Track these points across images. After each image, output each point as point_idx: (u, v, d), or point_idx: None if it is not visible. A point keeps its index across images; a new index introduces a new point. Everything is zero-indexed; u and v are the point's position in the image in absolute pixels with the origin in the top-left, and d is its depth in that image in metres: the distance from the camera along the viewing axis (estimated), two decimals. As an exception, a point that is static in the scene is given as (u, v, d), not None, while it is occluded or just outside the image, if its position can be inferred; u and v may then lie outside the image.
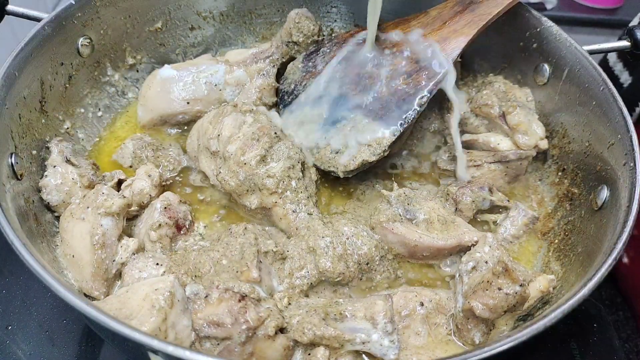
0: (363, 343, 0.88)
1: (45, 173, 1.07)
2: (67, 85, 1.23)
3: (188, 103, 1.27)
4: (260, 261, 0.95)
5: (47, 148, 1.12)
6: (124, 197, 1.05)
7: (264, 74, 1.31)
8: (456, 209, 1.12)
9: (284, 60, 1.33)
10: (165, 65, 1.31)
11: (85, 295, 0.98)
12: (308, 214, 1.08)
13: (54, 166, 1.08)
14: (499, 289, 0.88)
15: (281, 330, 0.89)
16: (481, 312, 0.88)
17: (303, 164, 1.12)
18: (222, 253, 0.96)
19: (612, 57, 1.62)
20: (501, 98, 1.25)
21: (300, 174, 1.10)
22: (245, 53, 1.34)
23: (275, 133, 1.11)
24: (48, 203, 1.06)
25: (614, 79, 1.59)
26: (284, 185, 1.07)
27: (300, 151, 1.13)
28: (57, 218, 1.07)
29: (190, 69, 1.30)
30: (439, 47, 1.19)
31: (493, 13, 1.19)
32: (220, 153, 1.11)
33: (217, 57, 1.39)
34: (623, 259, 1.26)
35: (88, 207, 1.00)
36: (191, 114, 1.28)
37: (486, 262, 0.95)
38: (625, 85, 1.57)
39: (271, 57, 1.32)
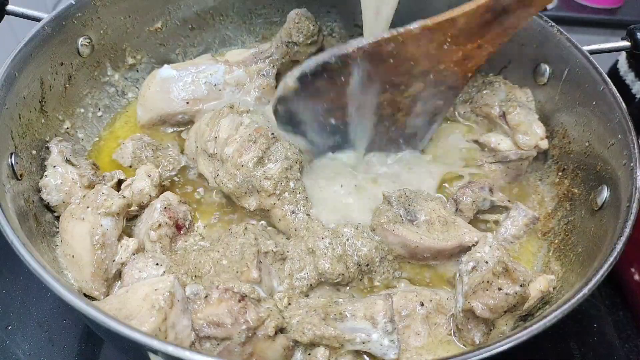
0: (363, 343, 0.88)
1: (45, 173, 1.07)
2: (67, 85, 1.23)
3: (187, 103, 1.27)
4: (261, 261, 0.95)
5: (47, 148, 1.12)
6: (124, 197, 1.04)
7: (263, 74, 1.31)
8: (457, 209, 1.12)
9: (283, 60, 1.33)
10: (165, 65, 1.31)
11: (85, 295, 0.98)
12: (307, 214, 1.08)
13: (54, 166, 1.08)
14: (499, 289, 0.88)
15: (281, 330, 0.89)
16: (481, 312, 0.88)
17: (301, 163, 1.12)
18: (222, 253, 0.96)
19: (623, 67, 1.54)
20: (501, 98, 1.24)
21: (298, 174, 1.10)
22: (245, 53, 1.34)
23: (272, 134, 1.10)
24: (48, 203, 1.06)
25: (625, 89, 1.51)
26: (282, 186, 1.07)
27: (299, 152, 1.13)
28: (57, 218, 1.07)
29: (190, 68, 1.30)
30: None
31: (520, 26, 1.05)
32: (218, 155, 1.11)
33: (217, 57, 1.39)
34: (634, 277, 1.24)
35: (88, 207, 1.00)
36: (190, 113, 1.28)
37: (486, 262, 0.95)
38: (638, 96, 1.48)
39: (271, 58, 1.32)
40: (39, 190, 1.06)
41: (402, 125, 1.18)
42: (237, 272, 0.92)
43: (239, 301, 0.86)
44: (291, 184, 1.08)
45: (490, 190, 1.15)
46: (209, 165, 1.14)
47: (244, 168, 1.07)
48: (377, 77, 1.09)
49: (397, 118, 1.16)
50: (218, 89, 1.29)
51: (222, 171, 1.10)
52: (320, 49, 1.36)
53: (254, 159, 1.07)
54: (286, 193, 1.08)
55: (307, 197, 1.10)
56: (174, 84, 1.28)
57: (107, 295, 0.97)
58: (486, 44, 1.06)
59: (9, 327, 1.12)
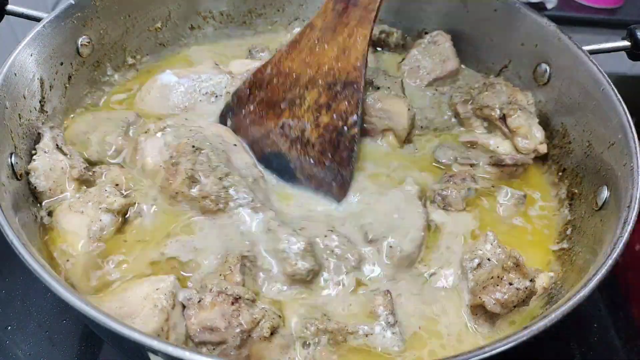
0: (366, 335, 0.88)
1: (34, 157, 1.05)
2: (67, 85, 1.23)
3: (187, 112, 1.24)
4: (245, 265, 0.94)
5: (39, 134, 1.09)
6: (126, 196, 1.04)
7: None
8: (444, 205, 1.11)
9: None
10: (167, 71, 1.30)
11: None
12: (263, 215, 1.02)
13: (45, 151, 1.05)
14: (510, 284, 0.89)
15: (277, 329, 0.88)
16: (492, 307, 0.89)
17: (229, 159, 1.07)
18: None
19: None
20: (503, 100, 1.24)
21: (237, 177, 1.04)
22: (249, 65, 1.32)
23: (194, 146, 1.04)
24: (35, 187, 1.03)
25: None
26: (223, 199, 1.01)
27: (223, 142, 1.09)
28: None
29: (192, 76, 1.28)
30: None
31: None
32: (154, 184, 1.06)
33: (221, 66, 1.35)
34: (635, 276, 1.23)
35: (89, 202, 1.00)
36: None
37: (489, 260, 0.95)
38: None
39: None
40: (27, 174, 1.04)
41: (318, 151, 1.10)
42: (220, 275, 0.91)
43: (232, 303, 0.85)
44: (232, 192, 1.02)
45: (473, 177, 1.15)
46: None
47: (179, 194, 1.02)
48: (272, 98, 1.14)
49: (309, 140, 1.11)
50: (219, 100, 1.26)
51: (162, 201, 1.05)
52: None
53: (186, 181, 1.01)
54: (230, 203, 1.02)
55: (253, 199, 1.02)
56: (173, 91, 1.26)
57: (94, 290, 0.95)
58: (355, 30, 1.05)
59: (9, 327, 1.12)
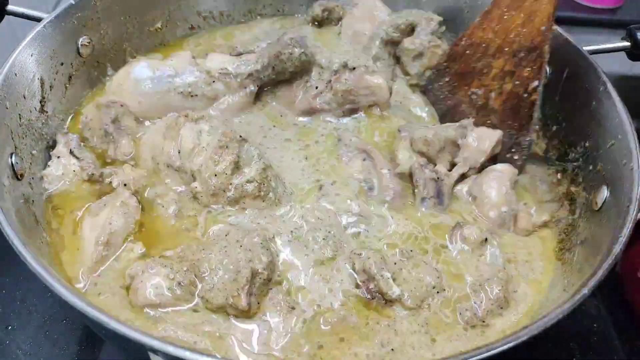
0: None
1: (49, 163, 1.10)
2: (67, 85, 1.23)
3: (160, 111, 1.21)
4: (254, 284, 0.91)
5: (54, 140, 1.13)
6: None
7: (244, 89, 1.25)
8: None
9: (265, 80, 1.27)
10: (142, 62, 1.24)
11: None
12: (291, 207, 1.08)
13: (58, 157, 1.10)
14: None
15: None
16: None
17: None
18: (219, 261, 0.93)
19: None
20: None
21: (274, 170, 1.10)
22: (228, 63, 1.25)
23: (240, 136, 1.07)
24: (48, 191, 1.07)
25: None
26: (265, 187, 1.05)
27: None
28: (58, 219, 1.06)
29: (167, 71, 1.21)
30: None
31: None
32: (186, 167, 1.06)
33: (199, 59, 1.27)
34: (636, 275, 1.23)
35: (105, 205, 1.03)
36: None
37: None
38: None
39: (254, 74, 1.24)
40: (41, 179, 1.07)
41: (499, 118, 1.18)
42: (229, 294, 0.89)
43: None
44: (272, 184, 1.07)
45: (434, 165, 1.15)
46: (176, 178, 1.10)
47: (222, 176, 1.03)
48: (464, 69, 1.22)
49: (493, 108, 1.18)
50: (194, 100, 1.22)
51: (199, 184, 1.05)
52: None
53: (231, 166, 1.03)
54: (270, 193, 1.06)
55: (291, 193, 1.10)
56: (148, 88, 1.20)
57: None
58: None
59: (9, 327, 1.12)
